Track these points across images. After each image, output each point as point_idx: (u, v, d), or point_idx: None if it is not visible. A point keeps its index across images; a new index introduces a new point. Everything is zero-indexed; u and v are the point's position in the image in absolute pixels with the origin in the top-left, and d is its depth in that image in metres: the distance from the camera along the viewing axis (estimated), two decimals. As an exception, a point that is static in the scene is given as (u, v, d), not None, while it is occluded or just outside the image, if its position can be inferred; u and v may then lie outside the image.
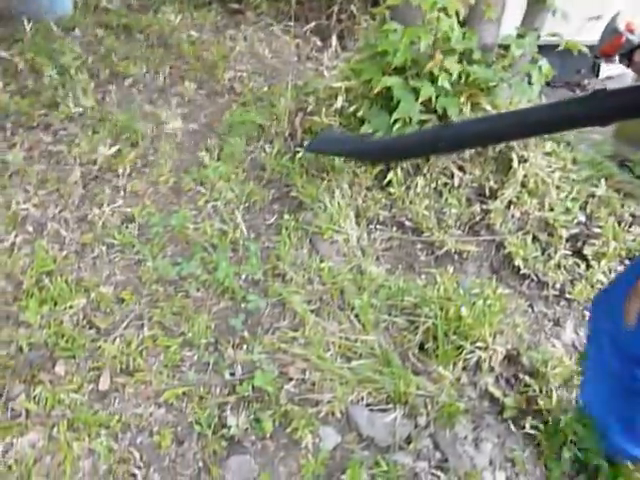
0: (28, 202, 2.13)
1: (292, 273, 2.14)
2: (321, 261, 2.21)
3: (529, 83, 2.80)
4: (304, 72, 3.05)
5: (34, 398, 1.67)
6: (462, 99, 2.58)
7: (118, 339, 1.86)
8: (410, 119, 2.49)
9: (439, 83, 2.46)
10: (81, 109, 2.48)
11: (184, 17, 3.28)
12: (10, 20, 2.82)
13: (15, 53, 2.56)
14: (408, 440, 1.87)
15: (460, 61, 2.60)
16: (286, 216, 2.36)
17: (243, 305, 2.04)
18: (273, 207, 2.41)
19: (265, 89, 2.86)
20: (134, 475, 1.60)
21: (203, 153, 2.51)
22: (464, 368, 2.06)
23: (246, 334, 1.97)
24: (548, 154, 2.65)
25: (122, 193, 2.27)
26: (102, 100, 2.59)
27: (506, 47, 2.84)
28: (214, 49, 2.96)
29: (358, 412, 1.90)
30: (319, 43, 3.28)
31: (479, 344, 2.08)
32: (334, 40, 3.22)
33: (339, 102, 2.68)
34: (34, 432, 1.61)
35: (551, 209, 2.52)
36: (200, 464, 1.68)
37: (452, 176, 2.54)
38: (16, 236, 2.03)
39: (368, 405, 1.92)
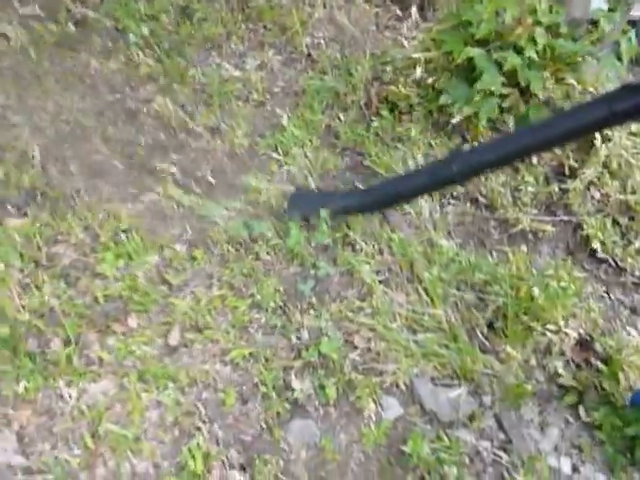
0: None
1: (362, 243, 2.05)
2: (392, 232, 2.12)
3: (617, 59, 2.59)
4: (382, 41, 2.91)
5: (107, 348, 1.66)
6: (546, 73, 2.41)
7: (189, 296, 1.82)
8: (491, 92, 2.34)
9: (525, 54, 2.30)
10: (160, 69, 2.44)
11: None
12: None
13: (102, 14, 2.54)
14: (472, 418, 1.79)
15: (546, 34, 2.42)
16: (359, 185, 2.27)
17: (312, 271, 1.97)
18: (346, 175, 2.32)
19: (342, 57, 2.75)
20: (199, 429, 1.58)
21: (278, 119, 2.43)
22: (533, 350, 1.95)
23: (314, 300, 1.91)
24: (634, 134, 2.45)
25: (197, 153, 2.22)
26: (181, 60, 2.53)
27: (595, 22, 2.64)
28: (293, 15, 2.86)
29: (422, 385, 1.82)
30: (399, 12, 3.13)
31: (550, 327, 1.95)
32: (414, 10, 3.06)
33: (418, 73, 2.55)
34: (106, 380, 1.60)
35: (633, 192, 2.33)
36: (263, 424, 1.64)
37: (530, 153, 2.38)
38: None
39: (432, 379, 1.84)
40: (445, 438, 1.72)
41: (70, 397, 1.54)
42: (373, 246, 2.06)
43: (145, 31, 2.52)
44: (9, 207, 1.87)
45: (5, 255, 1.70)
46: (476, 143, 2.44)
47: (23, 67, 2.24)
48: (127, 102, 2.29)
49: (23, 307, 1.64)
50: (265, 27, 2.87)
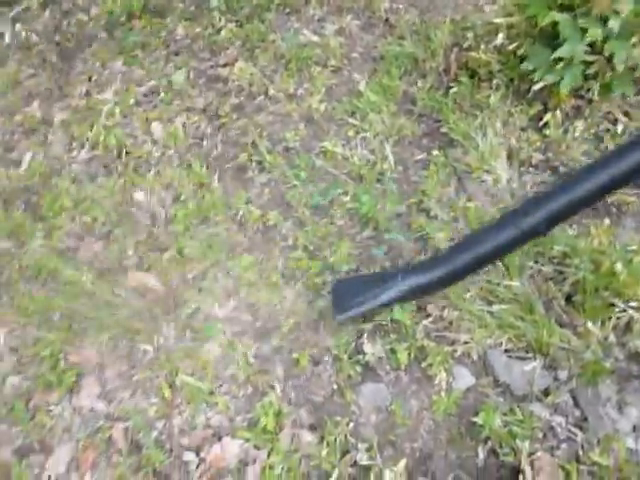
0: (188, 121, 2.08)
1: (437, 210, 1.94)
2: (468, 200, 1.99)
3: None
4: (462, 6, 2.73)
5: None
6: (635, 40, 2.18)
7: (261, 257, 1.78)
8: (572, 58, 2.15)
9: (609, 25, 2.09)
10: (241, 34, 2.38)
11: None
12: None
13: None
14: (546, 392, 1.67)
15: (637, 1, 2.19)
16: (435, 152, 2.14)
17: (386, 236, 1.89)
18: (422, 142, 2.19)
19: (421, 22, 2.60)
20: (272, 387, 1.54)
21: (356, 84, 2.33)
22: (613, 327, 1.80)
23: (387, 265, 1.82)
24: None
25: (275, 117, 2.16)
26: (261, 25, 2.47)
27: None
28: (372, -20, 2.73)
29: (496, 357, 1.71)
30: (479, -23, 2.94)
31: (633, 304, 1.79)
32: (496, -26, 2.86)
33: (499, 39, 2.37)
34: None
35: None
36: (334, 386, 1.60)
37: (615, 122, 2.19)
38: (175, 151, 1.99)
39: (506, 351, 1.73)
40: (518, 412, 1.61)
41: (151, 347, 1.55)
42: (448, 214, 1.95)
43: (225, -3, 2.47)
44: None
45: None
46: (558, 111, 2.26)
47: (111, 34, 2.24)
48: (209, 66, 2.24)
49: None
50: (345, -8, 2.76)
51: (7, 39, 2.17)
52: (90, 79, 2.11)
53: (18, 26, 2.22)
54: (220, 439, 1.44)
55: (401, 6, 2.70)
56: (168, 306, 1.64)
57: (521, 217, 1.57)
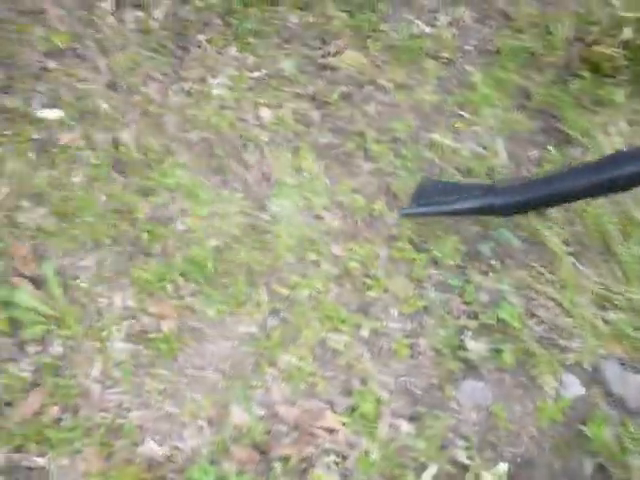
0: (297, 107, 2.18)
1: (551, 210, 1.93)
2: (585, 202, 1.97)
3: None
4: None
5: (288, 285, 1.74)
6: None
7: (367, 245, 1.84)
8: None
9: None
10: (352, 23, 2.46)
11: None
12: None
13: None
14: (665, 409, 1.63)
15: None
16: (551, 149, 2.13)
17: (494, 233, 1.90)
18: (537, 138, 2.18)
19: (542, 15, 2.58)
20: (372, 375, 1.59)
21: (469, 77, 2.34)
22: None
23: (494, 263, 1.83)
24: None
25: (383, 107, 2.22)
26: (373, 15, 2.53)
27: None
28: (489, -29, 2.74)
29: (609, 367, 1.68)
30: (608, -32, 2.88)
31: None
32: (626, -35, 2.79)
33: (626, 33, 2.33)
34: (286, 314, 1.69)
35: None
36: (434, 380, 1.62)
37: None
38: (283, 136, 2.09)
39: (621, 362, 1.70)
40: (631, 426, 1.58)
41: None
42: (563, 215, 1.94)
43: (339, -14, 2.57)
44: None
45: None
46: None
47: (226, 22, 2.38)
48: (319, 55, 2.34)
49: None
50: (460, -16, 2.78)
51: (129, 24, 2.38)
52: (204, 64, 2.26)
53: (139, 12, 2.42)
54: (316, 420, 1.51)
55: (521, -2, 2.70)
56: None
57: (609, 168, 1.62)
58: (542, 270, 1.82)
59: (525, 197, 1.72)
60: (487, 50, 2.48)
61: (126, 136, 2.03)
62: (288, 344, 1.63)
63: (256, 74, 2.24)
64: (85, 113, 2.09)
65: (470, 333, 1.69)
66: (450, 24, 2.56)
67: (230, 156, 2.00)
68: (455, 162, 2.06)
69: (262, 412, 1.52)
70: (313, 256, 1.78)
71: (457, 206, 1.74)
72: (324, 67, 2.31)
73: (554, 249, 1.85)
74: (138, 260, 1.76)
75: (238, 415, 1.51)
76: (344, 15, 2.51)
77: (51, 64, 2.25)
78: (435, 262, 1.82)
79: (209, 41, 2.32)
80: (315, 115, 2.14)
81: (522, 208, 1.77)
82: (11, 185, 1.89)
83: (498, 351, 1.67)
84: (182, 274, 1.72)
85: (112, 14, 2.40)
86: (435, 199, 1.77)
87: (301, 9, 2.50)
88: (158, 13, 2.40)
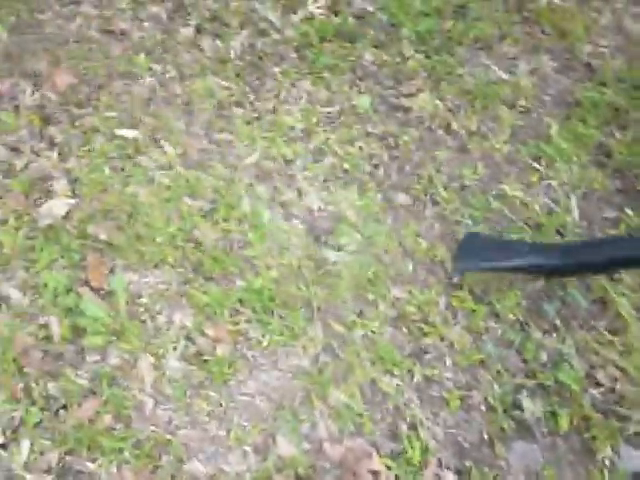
0: (366, 146, 2.36)
1: (623, 273, 2.03)
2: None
3: None
4: (680, 56, 2.81)
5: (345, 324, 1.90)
6: None
7: (426, 291, 1.98)
8: None
9: None
10: (428, 65, 2.64)
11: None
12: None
13: (379, 8, 2.85)
14: None
15: None
16: (628, 211, 2.23)
17: (560, 292, 2.01)
18: (614, 199, 2.28)
19: (628, 69, 2.71)
20: (421, 422, 1.71)
21: (545, 128, 2.48)
22: None
23: (558, 323, 1.94)
24: None
25: (454, 153, 2.37)
26: (450, 58, 2.71)
27: None
28: (575, 20, 2.89)
29: (671, 442, 1.75)
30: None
31: None
32: None
33: None
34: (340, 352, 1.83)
35: None
36: (484, 436, 1.73)
37: None
38: (350, 174, 2.27)
39: (687, 438, 1.76)
40: (694, 507, 1.65)
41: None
42: (634, 279, 2.03)
43: (419, 27, 2.76)
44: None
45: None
46: None
47: (302, 55, 2.62)
48: (392, 95, 2.53)
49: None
50: (543, 31, 2.93)
51: (207, 53, 2.62)
52: (278, 96, 2.48)
53: (218, 41, 2.67)
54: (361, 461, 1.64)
55: (606, 50, 2.83)
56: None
57: None
58: (607, 334, 1.91)
59: (574, 260, 1.85)
60: (566, 102, 2.62)
61: (194, 159, 2.27)
62: (339, 381, 1.77)
63: (328, 109, 2.45)
64: (158, 133, 2.33)
65: (526, 392, 1.79)
66: (530, 72, 2.72)
67: (295, 189, 2.19)
68: (524, 216, 2.19)
69: (308, 446, 1.67)
70: (371, 296, 1.93)
71: (506, 264, 1.89)
72: (397, 107, 2.50)
73: (623, 314, 1.94)
74: (199, 283, 1.95)
75: (284, 446, 1.66)
76: (420, 56, 2.70)
77: (130, 85, 2.52)
78: (495, 315, 1.94)
79: (283, 73, 2.55)
80: (384, 155, 2.31)
81: (570, 271, 1.91)
82: (85, 199, 2.14)
83: (554, 414, 1.76)
84: (240, 301, 1.90)
85: (192, 41, 2.68)
86: (484, 254, 1.93)
87: (377, 47, 2.71)
88: (236, 43, 2.65)
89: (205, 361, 1.80)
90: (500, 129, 2.46)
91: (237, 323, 1.87)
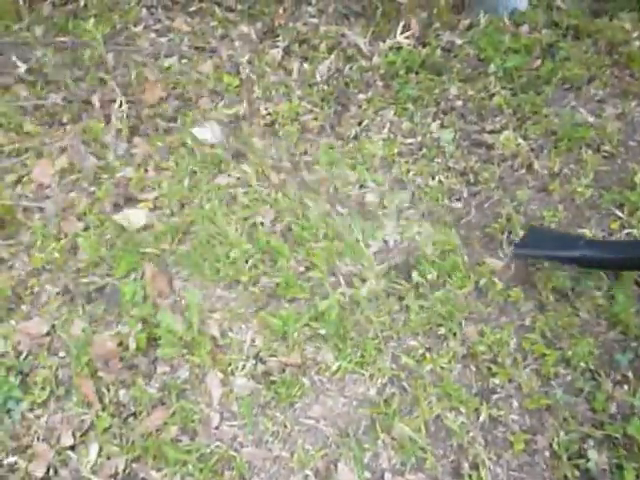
0: (446, 180, 2.44)
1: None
2: None
3: None
4: None
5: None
6: None
7: (498, 329, 2.03)
8: None
9: None
10: (514, 103, 2.71)
11: (640, 27, 3.28)
12: (469, 11, 3.22)
13: (467, 42, 2.93)
14: None
15: None
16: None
17: (634, 344, 2.03)
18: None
19: None
20: (483, 462, 1.76)
21: (630, 175, 2.49)
22: None
23: (630, 375, 1.96)
24: None
25: (534, 193, 2.42)
26: (536, 97, 2.76)
27: None
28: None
29: None
30: None
31: None
32: None
33: None
34: (404, 383, 1.91)
35: None
36: (547, 481, 1.77)
37: None
38: (427, 206, 2.34)
39: None
40: None
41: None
42: None
43: (506, 63, 2.83)
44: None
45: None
46: None
47: (387, 84, 2.73)
48: (476, 130, 2.61)
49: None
50: (632, 75, 2.97)
51: (294, 75, 2.75)
52: (360, 123, 2.59)
53: (305, 64, 2.80)
54: (422, 496, 1.70)
55: (700, 100, 2.84)
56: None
57: None
58: (683, 391, 1.92)
59: (620, 255, 2.10)
60: (651, 145, 2.64)
61: (274, 180, 2.39)
62: (404, 414, 1.84)
63: (409, 140, 2.54)
64: (241, 152, 2.47)
65: (592, 442, 1.82)
66: (617, 117, 2.75)
67: (373, 217, 2.28)
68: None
69: (369, 475, 1.74)
70: (442, 331, 2.00)
71: (560, 253, 2.11)
72: (479, 144, 2.57)
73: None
74: (271, 304, 2.05)
75: (345, 473, 1.73)
76: (506, 93, 2.77)
77: (217, 101, 2.67)
78: (566, 361, 1.97)
79: (368, 101, 2.66)
80: (464, 191, 2.39)
81: (611, 265, 2.14)
82: (165, 212, 2.29)
83: (620, 467, 1.77)
84: (310, 325, 2.00)
85: (279, 62, 2.82)
86: (543, 244, 2.18)
87: (464, 81, 2.79)
88: (323, 68, 2.78)
89: (272, 382, 1.89)
90: (583, 172, 2.50)
91: (306, 347, 1.96)
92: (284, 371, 1.91)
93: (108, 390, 1.89)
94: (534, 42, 2.98)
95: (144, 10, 3.26)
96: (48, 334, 2.01)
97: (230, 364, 1.93)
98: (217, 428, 1.82)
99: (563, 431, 1.83)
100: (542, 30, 3.20)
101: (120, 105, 2.69)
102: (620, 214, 2.39)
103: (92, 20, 2.90)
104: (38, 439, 1.80)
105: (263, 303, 2.07)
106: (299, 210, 2.28)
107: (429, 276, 2.10)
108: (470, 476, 1.73)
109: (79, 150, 2.54)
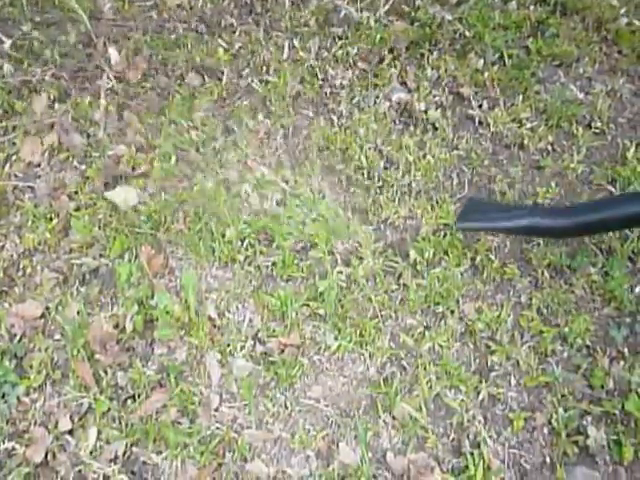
0: (440, 156, 2.36)
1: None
2: None
3: None
4: None
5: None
6: None
7: (495, 306, 1.97)
8: None
9: None
10: (505, 79, 2.62)
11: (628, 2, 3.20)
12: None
13: (457, 19, 2.84)
14: None
15: None
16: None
17: (628, 320, 1.98)
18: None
19: None
20: (484, 440, 1.71)
21: (620, 151, 2.43)
22: None
23: (626, 351, 1.91)
24: None
25: (526, 170, 2.35)
26: (526, 74, 2.68)
27: None
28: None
29: None
30: None
31: None
32: None
33: None
34: (404, 362, 1.84)
35: None
36: (547, 459, 1.72)
37: None
38: (420, 183, 2.27)
39: None
40: None
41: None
42: None
43: (496, 41, 2.74)
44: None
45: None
46: None
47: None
48: (466, 106, 2.52)
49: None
50: (620, 52, 2.89)
51: (284, 54, 2.65)
52: (352, 100, 2.50)
53: (295, 41, 2.70)
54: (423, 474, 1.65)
55: (688, 74, 2.78)
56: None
57: None
58: (678, 366, 1.88)
59: (571, 220, 1.95)
60: (650, 129, 2.58)
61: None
62: (404, 393, 1.78)
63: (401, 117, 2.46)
64: (232, 130, 2.37)
65: (591, 419, 1.78)
66: (607, 94, 2.67)
67: (372, 195, 2.20)
68: (597, 239, 2.15)
69: (370, 455, 1.68)
70: (440, 309, 1.93)
71: (506, 224, 2.01)
72: (471, 120, 2.48)
73: (696, 350, 1.91)
74: (269, 284, 1.97)
75: (346, 453, 1.67)
76: (497, 70, 2.67)
77: (207, 78, 2.56)
78: (563, 338, 1.93)
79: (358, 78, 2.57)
80: (457, 168, 2.30)
81: (567, 231, 2.01)
82: (156, 190, 2.18)
83: (618, 443, 1.74)
84: (308, 305, 1.92)
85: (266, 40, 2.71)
86: (485, 216, 2.08)
87: (454, 57, 2.70)
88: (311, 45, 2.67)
89: (272, 362, 1.82)
90: (574, 149, 2.43)
91: (305, 327, 1.89)
92: (283, 351, 1.84)
93: (105, 373, 1.81)
94: (523, 18, 2.88)
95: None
96: (42, 316, 1.91)
97: (229, 345, 1.86)
98: (217, 410, 1.76)
99: (562, 408, 1.79)
100: (530, 6, 3.10)
101: (109, 81, 2.56)
102: (612, 189, 2.33)
103: (78, -6, 2.74)
104: (35, 424, 1.72)
105: (260, 283, 1.99)
106: (292, 186, 2.19)
107: (426, 254, 2.03)
108: (471, 454, 1.68)
109: (68, 127, 2.42)
